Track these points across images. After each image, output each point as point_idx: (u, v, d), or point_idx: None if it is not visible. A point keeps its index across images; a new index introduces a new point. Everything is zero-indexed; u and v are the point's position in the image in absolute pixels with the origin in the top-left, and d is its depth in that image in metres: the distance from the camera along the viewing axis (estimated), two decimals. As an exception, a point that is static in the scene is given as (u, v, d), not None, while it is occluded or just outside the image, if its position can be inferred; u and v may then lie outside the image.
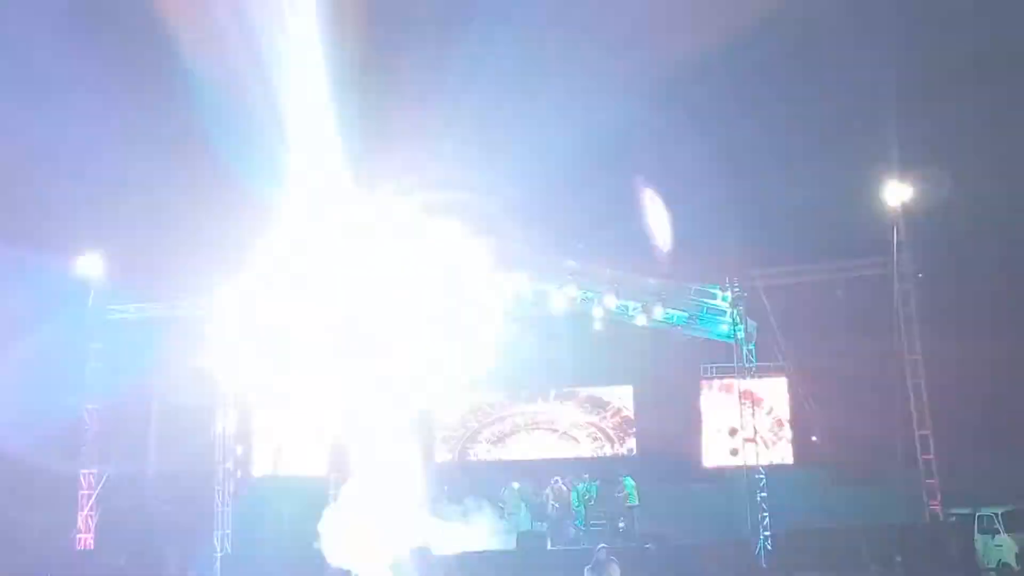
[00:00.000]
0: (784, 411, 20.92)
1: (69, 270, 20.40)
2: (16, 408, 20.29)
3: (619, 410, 24.26)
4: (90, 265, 20.21)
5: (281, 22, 18.65)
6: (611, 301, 20.99)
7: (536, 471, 22.53)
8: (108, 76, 25.08)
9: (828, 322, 18.77)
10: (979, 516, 18.80)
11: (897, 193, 18.02)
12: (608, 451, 24.11)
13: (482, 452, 24.65)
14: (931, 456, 17.46)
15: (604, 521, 21.40)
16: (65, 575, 18.24)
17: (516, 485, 21.88)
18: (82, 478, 19.79)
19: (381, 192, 19.26)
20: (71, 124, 25.91)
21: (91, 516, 19.71)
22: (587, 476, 21.88)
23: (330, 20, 18.91)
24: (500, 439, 24.69)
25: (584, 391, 24.48)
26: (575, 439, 24.45)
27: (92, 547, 19.59)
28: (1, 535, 21.62)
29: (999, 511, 18.75)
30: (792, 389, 19.44)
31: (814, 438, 18.83)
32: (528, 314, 23.50)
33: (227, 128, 19.90)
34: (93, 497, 19.72)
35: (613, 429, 24.19)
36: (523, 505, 21.69)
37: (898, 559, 16.09)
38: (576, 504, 21.49)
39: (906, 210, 18.09)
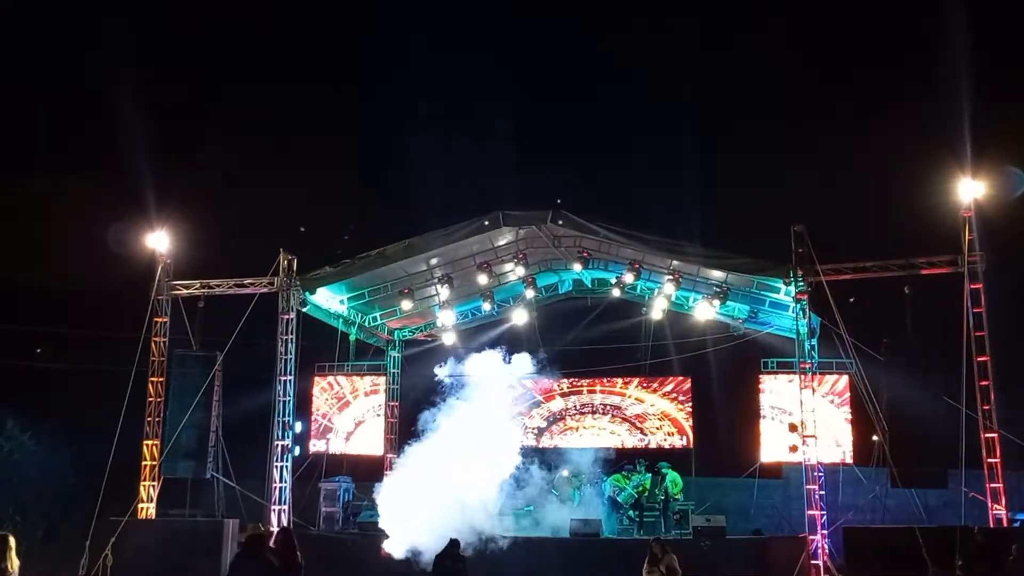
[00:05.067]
0: (846, 409, 20.65)
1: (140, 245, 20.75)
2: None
3: (677, 402, 24.12)
4: (159, 240, 20.54)
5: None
6: (672, 291, 20.88)
7: (590, 460, 22.48)
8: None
9: (894, 320, 18.39)
10: (1045, 522, 18.39)
11: (969, 189, 17.56)
12: (664, 443, 24.01)
13: (537, 439, 24.68)
14: (997, 459, 17.06)
15: (657, 512, 21.36)
16: (127, 544, 18.60)
17: (565, 473, 21.89)
18: (145, 449, 20.14)
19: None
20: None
21: (153, 487, 20.08)
22: (641, 467, 21.85)
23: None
24: (555, 426, 24.70)
25: (641, 381, 24.38)
26: (631, 429, 24.38)
27: (153, 517, 19.96)
28: (63, 505, 22.24)
29: (1065, 517, 18.34)
30: (855, 387, 19.11)
31: (875, 437, 18.45)
32: (585, 302, 23.66)
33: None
34: (157, 468, 20.08)
35: (670, 421, 24.06)
36: (576, 493, 21.71)
37: (959, 562, 15.75)
38: (630, 494, 21.47)
39: (978, 207, 17.62)
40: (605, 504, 21.38)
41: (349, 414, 24.28)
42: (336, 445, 24.06)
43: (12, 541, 10.94)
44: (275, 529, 15.98)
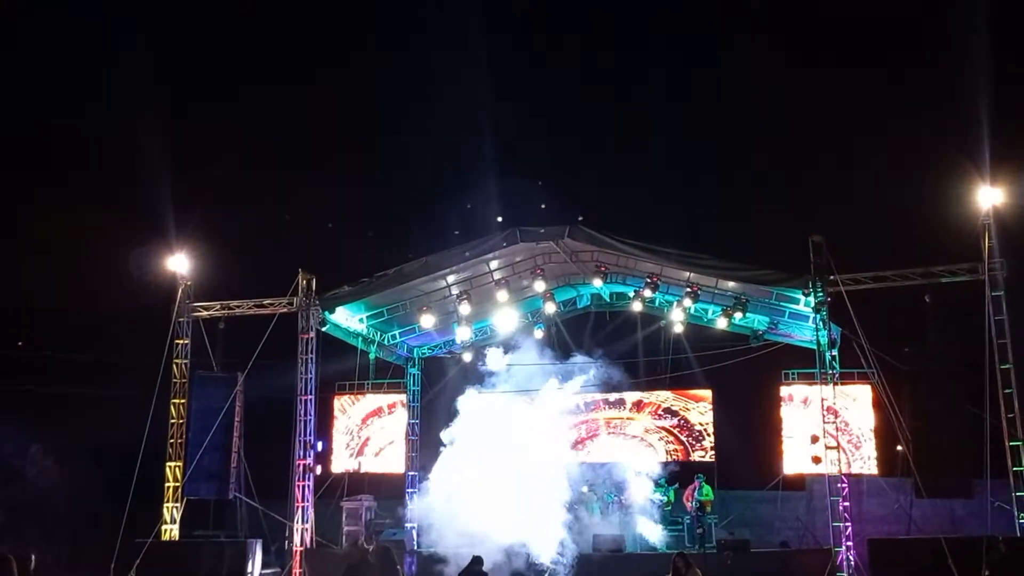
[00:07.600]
0: (868, 419, 20.52)
1: (160, 267, 20.91)
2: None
3: (698, 414, 24.02)
4: (179, 263, 20.70)
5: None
6: (690, 304, 20.83)
7: (612, 474, 22.42)
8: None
9: (915, 329, 18.30)
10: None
11: (988, 196, 17.46)
12: (685, 456, 23.90)
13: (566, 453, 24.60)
14: (1022, 468, 16.91)
15: (680, 526, 21.29)
16: (152, 566, 18.69)
17: (585, 489, 21.83)
18: (168, 470, 20.25)
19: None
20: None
21: (176, 508, 20.16)
22: (663, 481, 21.78)
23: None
24: (578, 441, 24.60)
25: (662, 395, 24.30)
26: (652, 443, 24.27)
27: (177, 538, 20.04)
28: (88, 528, 22.35)
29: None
30: (877, 397, 19.01)
31: (899, 447, 18.34)
32: (604, 316, 23.62)
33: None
34: (180, 489, 20.18)
35: (691, 433, 23.96)
36: (598, 508, 21.65)
37: (986, 573, 15.65)
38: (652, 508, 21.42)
39: (998, 214, 17.51)
40: (663, 514, 21.32)
41: (370, 432, 24.28)
42: (357, 463, 24.05)
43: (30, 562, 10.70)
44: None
